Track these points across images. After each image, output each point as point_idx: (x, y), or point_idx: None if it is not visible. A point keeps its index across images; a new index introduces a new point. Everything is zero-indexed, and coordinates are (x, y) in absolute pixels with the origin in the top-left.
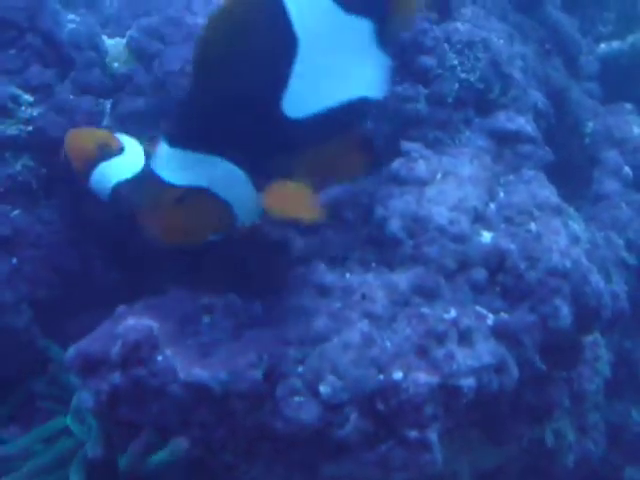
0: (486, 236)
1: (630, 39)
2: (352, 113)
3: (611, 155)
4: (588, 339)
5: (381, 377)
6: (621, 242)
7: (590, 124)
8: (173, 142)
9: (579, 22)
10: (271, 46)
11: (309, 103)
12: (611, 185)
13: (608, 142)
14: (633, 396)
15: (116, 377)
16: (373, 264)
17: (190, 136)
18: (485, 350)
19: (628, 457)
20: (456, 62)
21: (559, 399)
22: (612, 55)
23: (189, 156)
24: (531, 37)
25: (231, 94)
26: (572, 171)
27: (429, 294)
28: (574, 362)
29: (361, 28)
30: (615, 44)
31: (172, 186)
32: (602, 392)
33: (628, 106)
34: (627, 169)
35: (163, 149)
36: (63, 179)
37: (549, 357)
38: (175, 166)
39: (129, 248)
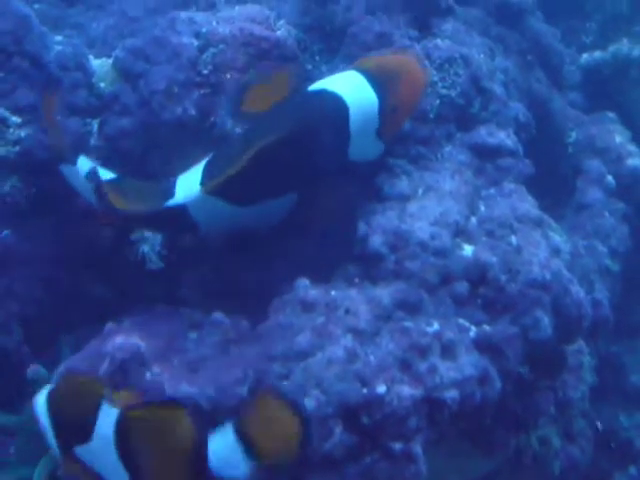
0: (467, 249)
1: (612, 49)
2: None
3: (594, 164)
4: (572, 347)
5: (365, 391)
6: (605, 250)
7: (573, 134)
8: None
9: (562, 33)
10: None
11: None
12: (594, 194)
13: (591, 151)
14: (620, 401)
15: None
16: (356, 279)
17: None
18: (468, 362)
19: (616, 462)
20: (437, 78)
21: (544, 407)
22: (594, 65)
23: None
24: (513, 49)
25: None
26: (556, 180)
27: (412, 308)
28: (558, 371)
29: None
30: (597, 54)
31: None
32: (587, 399)
33: (610, 115)
34: (610, 178)
35: None
36: (53, 198)
37: (533, 367)
38: None
39: (114, 265)
